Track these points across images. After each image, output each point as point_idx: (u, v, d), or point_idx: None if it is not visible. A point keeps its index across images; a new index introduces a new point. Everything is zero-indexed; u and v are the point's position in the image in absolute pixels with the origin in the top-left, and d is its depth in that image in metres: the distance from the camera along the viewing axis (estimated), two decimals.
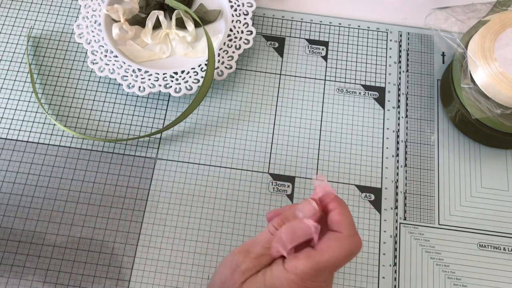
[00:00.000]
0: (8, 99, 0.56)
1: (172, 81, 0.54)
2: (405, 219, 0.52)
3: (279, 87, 0.57)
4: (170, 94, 0.55)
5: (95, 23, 0.57)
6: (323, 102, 0.57)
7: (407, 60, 0.59)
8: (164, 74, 0.54)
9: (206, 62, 0.55)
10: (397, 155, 0.54)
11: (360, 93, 0.57)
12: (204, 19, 0.58)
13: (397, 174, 0.53)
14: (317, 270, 0.36)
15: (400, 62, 0.59)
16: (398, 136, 0.55)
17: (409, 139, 0.55)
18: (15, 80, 0.57)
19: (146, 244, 0.50)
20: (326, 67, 0.59)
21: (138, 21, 0.58)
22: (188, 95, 0.56)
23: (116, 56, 0.55)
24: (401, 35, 0.60)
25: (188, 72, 0.55)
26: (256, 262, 0.37)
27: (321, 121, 0.56)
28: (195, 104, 0.53)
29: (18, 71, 0.57)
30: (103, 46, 0.56)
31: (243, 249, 0.37)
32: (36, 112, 0.55)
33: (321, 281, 0.36)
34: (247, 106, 0.56)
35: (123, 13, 0.57)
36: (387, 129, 0.56)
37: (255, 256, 0.37)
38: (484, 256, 0.50)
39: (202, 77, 0.54)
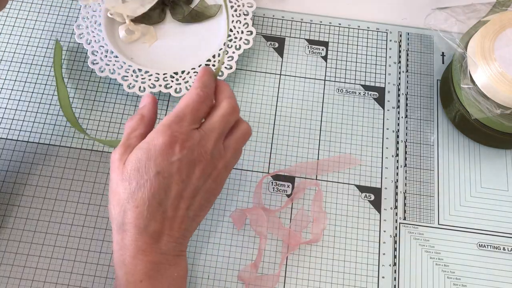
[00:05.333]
0: (9, 99, 0.56)
1: (173, 81, 0.54)
2: (404, 219, 0.52)
3: (279, 87, 0.57)
4: (170, 94, 0.55)
5: (95, 23, 0.57)
6: (323, 102, 0.57)
7: (407, 60, 0.59)
8: (164, 74, 0.55)
9: (207, 62, 0.56)
10: (397, 155, 0.55)
11: (360, 93, 0.57)
12: (205, 14, 0.59)
13: (397, 174, 0.54)
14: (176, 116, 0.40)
15: (400, 62, 0.59)
16: (398, 136, 0.55)
17: (409, 139, 0.55)
18: (15, 81, 0.57)
19: None
20: (326, 67, 0.59)
21: (142, 17, 0.58)
22: None
23: (117, 56, 0.55)
24: (401, 35, 0.60)
25: (188, 72, 0.55)
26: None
27: (321, 121, 0.56)
28: None
29: (18, 72, 0.57)
30: (103, 47, 0.56)
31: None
32: (37, 113, 0.55)
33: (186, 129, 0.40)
34: (247, 106, 0.56)
35: (127, 15, 0.57)
36: (387, 129, 0.56)
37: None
38: (484, 256, 0.50)
39: None
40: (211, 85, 0.42)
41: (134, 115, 0.43)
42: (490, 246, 0.51)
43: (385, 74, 0.58)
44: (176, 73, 0.55)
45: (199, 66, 0.55)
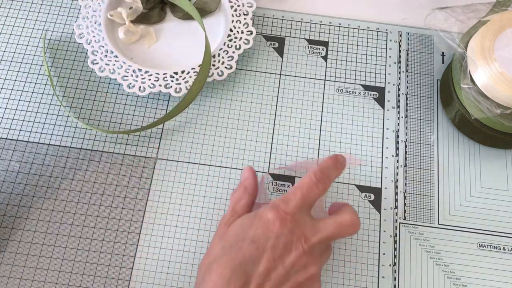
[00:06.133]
0: (9, 99, 0.56)
1: (172, 81, 0.54)
2: (404, 218, 0.52)
3: (279, 87, 0.57)
4: (170, 94, 0.55)
5: (95, 23, 0.57)
6: (323, 102, 0.57)
7: (407, 60, 0.59)
8: (164, 74, 0.55)
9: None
10: (397, 155, 0.55)
11: (360, 93, 0.57)
12: (204, 9, 0.59)
13: (397, 174, 0.54)
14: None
15: (400, 62, 0.59)
16: (398, 136, 0.55)
17: (409, 139, 0.55)
18: (15, 81, 0.57)
19: (146, 244, 0.50)
20: (326, 67, 0.59)
21: (141, 17, 0.58)
22: None
23: (117, 56, 0.55)
24: (400, 35, 0.60)
25: (188, 72, 0.55)
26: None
27: (321, 121, 0.56)
28: (197, 88, 0.53)
29: (18, 71, 0.57)
30: (103, 46, 0.56)
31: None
32: (37, 113, 0.55)
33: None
34: (247, 106, 0.56)
35: (127, 16, 0.57)
36: (387, 129, 0.56)
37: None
38: (484, 256, 0.50)
39: None
40: (330, 174, 0.43)
41: (238, 187, 0.47)
42: (490, 246, 0.51)
43: (385, 74, 0.58)
44: (176, 73, 0.55)
45: (199, 66, 0.55)
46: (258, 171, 0.53)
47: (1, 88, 0.56)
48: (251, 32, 0.57)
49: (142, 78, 0.54)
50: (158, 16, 0.59)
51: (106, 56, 0.55)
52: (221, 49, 0.56)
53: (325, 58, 0.59)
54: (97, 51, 0.56)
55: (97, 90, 0.57)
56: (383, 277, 0.49)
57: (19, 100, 0.56)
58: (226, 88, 0.57)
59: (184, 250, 0.50)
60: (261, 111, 0.56)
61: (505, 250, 0.51)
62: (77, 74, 0.57)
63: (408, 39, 0.60)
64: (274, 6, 0.62)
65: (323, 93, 0.57)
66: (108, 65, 0.55)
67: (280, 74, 0.58)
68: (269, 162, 0.54)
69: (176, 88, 0.54)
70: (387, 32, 0.61)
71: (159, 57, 0.58)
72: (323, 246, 0.42)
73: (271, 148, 0.55)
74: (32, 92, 0.56)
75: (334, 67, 0.59)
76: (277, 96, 0.57)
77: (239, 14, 0.58)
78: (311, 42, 0.60)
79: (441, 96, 0.57)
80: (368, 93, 0.57)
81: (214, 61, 0.56)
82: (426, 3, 0.62)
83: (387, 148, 0.55)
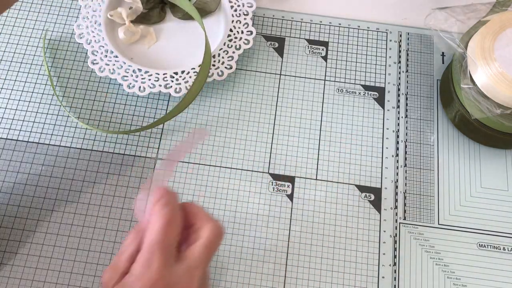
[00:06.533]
0: (9, 99, 0.56)
1: (172, 81, 0.54)
2: (404, 219, 0.52)
3: (279, 87, 0.57)
4: (170, 94, 0.55)
5: (95, 23, 0.57)
6: (323, 102, 0.57)
7: (407, 60, 0.59)
8: (164, 74, 0.55)
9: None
10: (397, 155, 0.55)
11: (360, 93, 0.57)
12: (204, 9, 0.59)
13: (397, 174, 0.54)
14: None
15: (400, 62, 0.59)
16: (398, 136, 0.55)
17: (409, 139, 0.55)
18: (15, 81, 0.57)
19: None
20: (326, 67, 0.59)
21: (141, 17, 0.58)
22: None
23: (117, 56, 0.55)
24: (401, 35, 0.60)
25: (188, 72, 0.55)
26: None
27: (321, 121, 0.56)
28: (197, 88, 0.53)
29: (18, 72, 0.57)
30: (103, 46, 0.56)
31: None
32: (37, 113, 0.55)
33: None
34: (247, 106, 0.56)
35: (127, 16, 0.57)
36: (387, 129, 0.56)
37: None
38: (484, 256, 0.50)
39: None
40: (168, 202, 0.37)
41: (133, 229, 0.39)
42: (490, 246, 0.51)
43: (385, 74, 0.58)
44: (176, 73, 0.55)
45: (199, 66, 0.55)
46: (258, 171, 0.53)
47: (1, 88, 0.56)
48: (251, 32, 0.57)
49: (142, 78, 0.54)
50: (158, 16, 0.59)
51: (106, 56, 0.55)
52: (221, 49, 0.56)
53: (325, 58, 0.59)
54: (97, 51, 0.56)
55: (97, 90, 0.57)
56: (383, 277, 0.49)
57: (19, 100, 0.56)
58: (226, 88, 0.57)
59: None
60: (261, 111, 0.56)
61: (505, 250, 0.51)
62: (77, 74, 0.57)
63: (408, 39, 0.60)
64: (274, 6, 0.62)
65: (323, 93, 0.57)
66: (108, 65, 0.55)
67: (280, 74, 0.58)
68: (269, 162, 0.54)
69: (176, 88, 0.54)
70: (387, 32, 0.61)
71: (159, 57, 0.58)
72: (205, 281, 0.38)
73: (271, 148, 0.55)
74: (32, 92, 0.56)
75: (334, 67, 0.59)
76: (277, 96, 0.57)
77: (239, 14, 0.58)
78: (311, 42, 0.60)
79: (441, 96, 0.57)
80: (368, 93, 0.57)
81: (214, 61, 0.56)
82: (426, 3, 0.62)
83: (387, 148, 0.55)
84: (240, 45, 0.57)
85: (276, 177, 0.53)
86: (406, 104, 0.57)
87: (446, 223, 0.52)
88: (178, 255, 0.37)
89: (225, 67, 0.55)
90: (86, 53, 0.58)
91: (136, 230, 0.38)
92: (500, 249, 0.51)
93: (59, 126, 0.55)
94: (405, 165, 0.54)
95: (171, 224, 0.36)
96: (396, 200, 0.52)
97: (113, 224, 0.51)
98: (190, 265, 0.36)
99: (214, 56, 0.56)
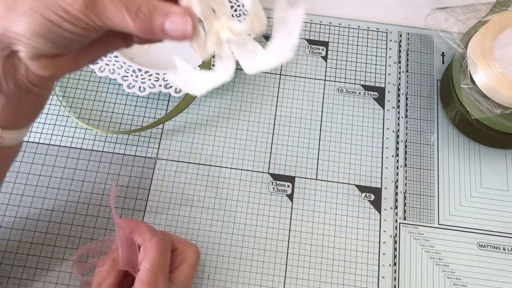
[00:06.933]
0: None
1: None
2: (404, 219, 0.52)
3: (279, 87, 0.57)
4: (170, 94, 0.55)
5: None
6: (323, 102, 0.57)
7: (407, 60, 0.59)
8: (164, 74, 0.55)
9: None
10: (397, 155, 0.55)
11: (360, 93, 0.57)
12: None
13: (397, 174, 0.54)
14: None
15: (400, 62, 0.59)
16: (398, 136, 0.55)
17: (409, 139, 0.55)
18: None
19: None
20: (326, 67, 0.59)
21: None
22: None
23: (117, 56, 0.55)
24: (401, 35, 0.60)
25: None
26: None
27: (321, 121, 0.56)
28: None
29: None
30: None
31: None
32: None
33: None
34: (247, 106, 0.56)
35: None
36: (387, 129, 0.56)
37: None
38: (484, 256, 0.50)
39: None
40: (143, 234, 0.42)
41: (106, 258, 0.43)
42: (490, 246, 0.51)
43: (385, 74, 0.58)
44: None
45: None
46: (258, 171, 0.53)
47: None
48: None
49: (142, 78, 0.54)
50: None
51: (106, 56, 0.55)
52: None
53: (325, 58, 0.59)
54: None
55: (97, 90, 0.57)
56: (383, 277, 0.49)
57: None
58: (226, 88, 0.57)
59: None
60: (261, 111, 0.56)
61: (505, 250, 0.51)
62: (77, 74, 0.57)
63: (408, 39, 0.60)
64: (274, 6, 0.61)
65: (323, 93, 0.57)
66: (108, 65, 0.55)
67: (280, 74, 0.58)
68: (269, 162, 0.54)
69: (176, 88, 0.54)
70: (387, 32, 0.61)
71: (159, 57, 0.58)
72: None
73: (271, 148, 0.55)
74: None
75: (334, 67, 0.59)
76: (277, 96, 0.57)
77: (239, 14, 0.58)
78: (311, 42, 0.60)
79: (441, 96, 0.57)
80: (368, 93, 0.57)
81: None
82: (426, 3, 0.62)
83: (387, 148, 0.55)
84: None
85: (276, 177, 0.53)
86: (406, 104, 0.57)
87: (446, 223, 0.52)
88: (169, 277, 0.41)
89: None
90: None
91: (110, 258, 0.41)
92: (500, 249, 0.51)
93: (59, 126, 0.55)
94: (405, 165, 0.54)
95: (166, 249, 0.41)
96: (396, 200, 0.52)
97: (113, 224, 0.51)
98: (183, 282, 0.41)
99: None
